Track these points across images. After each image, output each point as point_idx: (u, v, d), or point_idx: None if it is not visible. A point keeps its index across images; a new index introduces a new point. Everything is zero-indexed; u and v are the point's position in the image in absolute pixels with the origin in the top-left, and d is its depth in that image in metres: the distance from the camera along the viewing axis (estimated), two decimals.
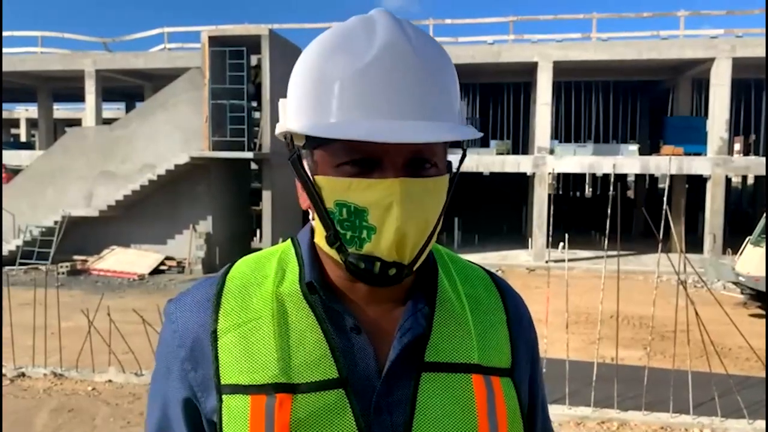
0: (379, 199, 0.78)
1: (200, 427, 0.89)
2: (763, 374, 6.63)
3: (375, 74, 0.77)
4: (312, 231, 0.90)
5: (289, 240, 0.96)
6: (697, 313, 5.98)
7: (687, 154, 18.52)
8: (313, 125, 0.80)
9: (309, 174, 0.84)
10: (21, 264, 16.51)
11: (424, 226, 0.81)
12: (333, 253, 0.83)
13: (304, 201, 0.87)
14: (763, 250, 11.31)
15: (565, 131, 24.59)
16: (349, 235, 0.81)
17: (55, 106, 29.08)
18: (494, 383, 0.88)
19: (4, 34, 22.67)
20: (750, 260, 11.73)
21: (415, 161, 0.80)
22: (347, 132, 0.76)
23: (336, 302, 0.86)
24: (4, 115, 38.91)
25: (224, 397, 0.84)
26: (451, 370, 0.86)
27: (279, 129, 0.88)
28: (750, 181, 32.20)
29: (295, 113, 0.84)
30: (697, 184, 19.61)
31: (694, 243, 17.94)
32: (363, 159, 0.79)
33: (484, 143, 23.55)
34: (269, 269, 0.91)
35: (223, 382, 0.85)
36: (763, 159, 17.80)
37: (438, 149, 0.83)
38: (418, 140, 0.76)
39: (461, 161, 0.90)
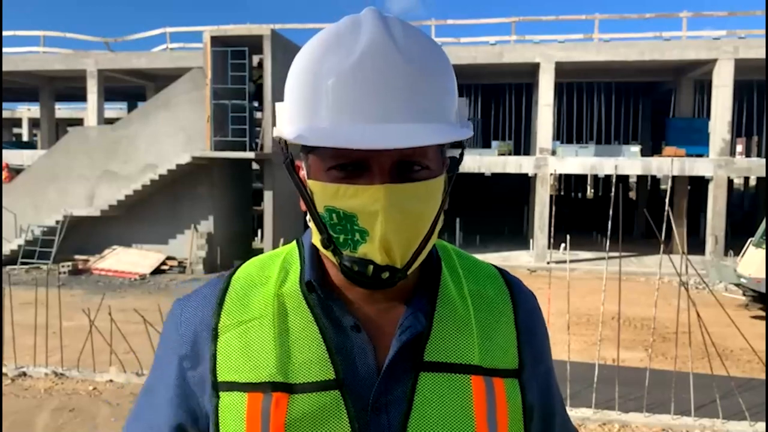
0: (365, 206, 0.78)
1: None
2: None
3: (358, 77, 0.76)
4: None
5: (294, 242, 0.96)
6: (698, 315, 5.97)
7: (689, 155, 18.50)
8: (299, 131, 0.79)
9: (304, 178, 0.85)
10: (22, 263, 16.53)
11: (413, 231, 0.80)
12: (330, 255, 0.84)
13: (302, 204, 0.87)
14: (765, 251, 11.29)
15: (567, 132, 24.56)
16: (342, 238, 0.81)
17: (57, 106, 29.12)
18: (496, 385, 0.87)
19: (7, 33, 22.71)
20: (752, 262, 11.71)
21: (404, 164, 0.79)
22: (327, 139, 0.75)
23: (335, 301, 0.86)
24: (7, 114, 38.95)
25: (221, 394, 0.85)
26: (450, 371, 0.86)
27: (274, 134, 0.87)
28: (752, 182, 32.15)
29: (287, 118, 0.83)
30: (699, 185, 19.58)
31: (696, 244, 17.92)
32: (350, 163, 0.79)
33: (485, 144, 23.52)
34: (273, 270, 0.91)
35: (219, 379, 0.86)
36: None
37: (429, 151, 0.82)
38: (398, 145, 0.74)
39: (459, 162, 0.88)
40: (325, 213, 0.81)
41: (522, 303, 0.96)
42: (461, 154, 0.88)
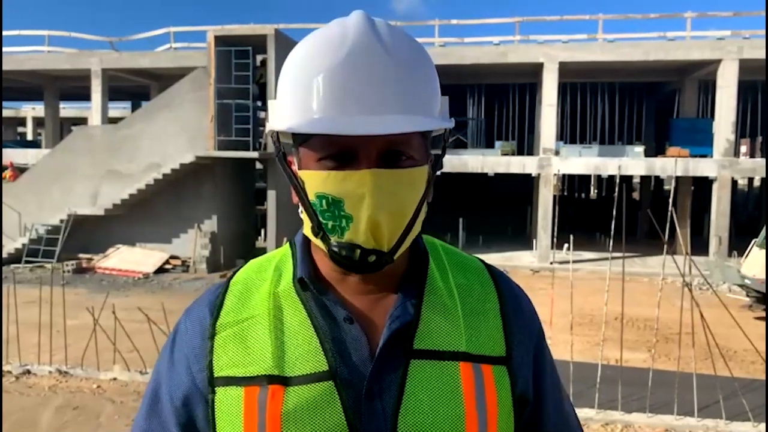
0: (353, 190, 0.82)
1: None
2: None
3: (346, 72, 0.82)
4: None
5: (287, 243, 1.00)
6: (702, 316, 5.96)
7: (693, 155, 18.46)
8: (290, 124, 0.85)
9: (295, 171, 0.90)
10: (27, 262, 16.58)
11: (399, 215, 0.85)
12: (319, 242, 0.88)
13: (294, 196, 0.91)
14: (766, 253, 11.25)
15: (571, 132, 24.52)
16: (331, 224, 0.85)
17: (62, 105, 29.16)
18: (484, 371, 0.90)
19: (12, 33, 22.77)
20: (755, 263, 11.67)
21: (390, 153, 0.84)
22: (317, 127, 0.81)
23: (327, 295, 0.90)
24: (12, 113, 39.06)
25: (217, 389, 0.88)
26: (439, 358, 0.89)
27: (268, 128, 0.92)
28: (756, 183, 32.05)
29: (279, 113, 0.88)
30: (702, 186, 19.52)
31: (700, 245, 17.85)
32: (339, 152, 0.84)
33: (489, 144, 23.50)
34: (268, 272, 0.95)
35: (216, 374, 0.89)
36: None
37: (414, 141, 0.86)
38: (382, 132, 0.80)
39: (442, 154, 0.93)
40: (315, 200, 0.86)
41: (507, 294, 0.99)
42: (443, 150, 0.93)
